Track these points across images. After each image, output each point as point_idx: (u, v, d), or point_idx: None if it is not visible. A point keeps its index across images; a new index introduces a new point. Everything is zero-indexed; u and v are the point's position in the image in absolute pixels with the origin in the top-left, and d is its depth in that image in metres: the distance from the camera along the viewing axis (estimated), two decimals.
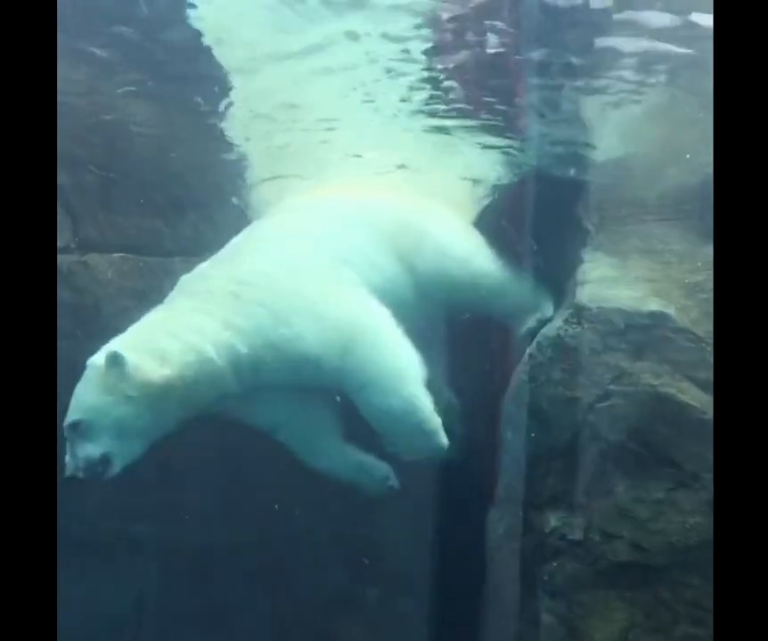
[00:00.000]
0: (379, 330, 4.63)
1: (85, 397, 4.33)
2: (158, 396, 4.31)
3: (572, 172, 5.09)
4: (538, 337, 4.37)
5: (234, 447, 5.11)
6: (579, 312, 4.19)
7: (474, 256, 5.12)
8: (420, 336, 4.90)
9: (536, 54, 4.52)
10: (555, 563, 4.08)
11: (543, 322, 4.67)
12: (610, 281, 4.37)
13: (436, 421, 4.60)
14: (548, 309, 4.90)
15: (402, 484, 5.46)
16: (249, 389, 4.63)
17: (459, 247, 5.13)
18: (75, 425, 4.25)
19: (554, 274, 4.90)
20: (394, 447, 4.71)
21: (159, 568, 5.36)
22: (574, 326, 4.16)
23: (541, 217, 4.95)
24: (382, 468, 4.92)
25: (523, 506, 4.35)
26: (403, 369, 4.58)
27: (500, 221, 5.35)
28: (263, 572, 5.38)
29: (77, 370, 4.94)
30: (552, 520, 4.12)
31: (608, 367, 4.08)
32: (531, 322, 4.90)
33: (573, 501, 4.08)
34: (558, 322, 4.31)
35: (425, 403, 4.57)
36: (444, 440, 4.61)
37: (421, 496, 5.37)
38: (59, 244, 5.05)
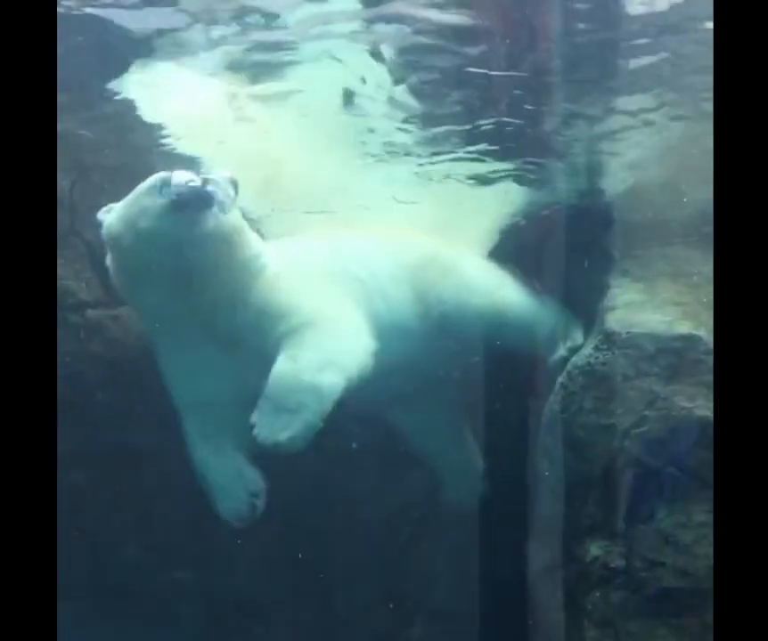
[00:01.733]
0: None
1: None
2: None
3: (593, 199, 5.17)
4: (568, 367, 4.41)
5: (274, 492, 5.26)
6: (609, 339, 4.24)
7: (499, 288, 5.12)
8: (445, 378, 5.04)
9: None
10: (598, 593, 4.08)
11: (575, 350, 4.68)
12: (638, 306, 4.42)
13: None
14: (578, 336, 4.89)
15: (441, 520, 5.61)
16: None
17: (483, 280, 5.14)
18: None
19: (581, 301, 4.93)
20: None
21: (203, 616, 5.48)
22: (604, 352, 4.20)
23: (564, 246, 5.01)
24: (255, 482, 4.76)
25: (563, 536, 4.39)
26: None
27: (522, 252, 5.39)
28: (305, 615, 5.49)
29: (113, 422, 5.17)
30: (593, 549, 4.14)
31: (642, 392, 4.10)
32: (562, 350, 4.89)
33: (613, 529, 4.10)
34: (587, 350, 4.35)
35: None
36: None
37: (460, 532, 5.47)
38: (89, 299, 5.26)
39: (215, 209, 4.25)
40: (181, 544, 5.32)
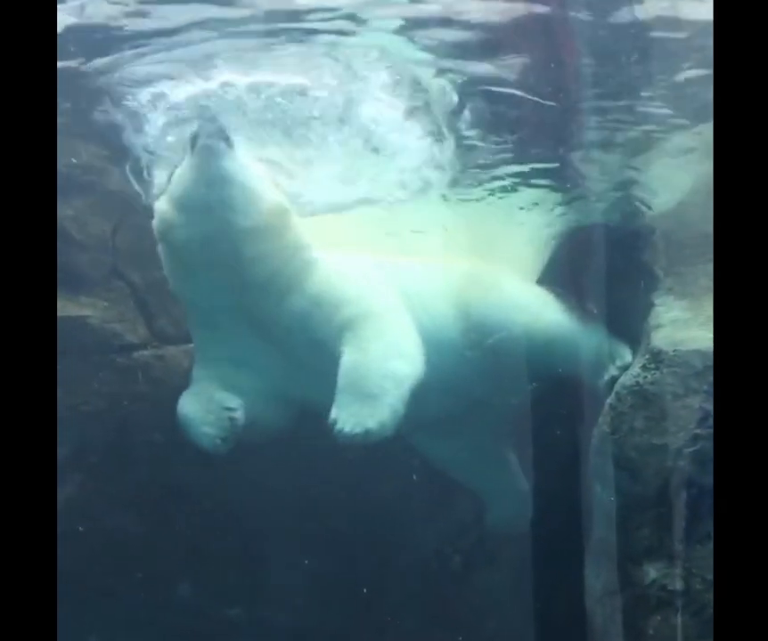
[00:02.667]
0: None
1: None
2: None
3: (633, 217, 5.18)
4: (616, 387, 4.38)
5: (323, 525, 5.33)
6: (656, 357, 4.21)
7: (544, 308, 5.15)
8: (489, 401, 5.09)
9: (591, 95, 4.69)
10: (659, 617, 4.05)
11: (624, 368, 4.69)
12: (684, 323, 4.42)
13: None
14: (626, 355, 4.90)
15: (493, 548, 5.63)
16: None
17: (527, 300, 5.19)
18: None
19: (626, 321, 4.93)
20: None
21: None
22: (652, 372, 4.17)
23: (607, 265, 5.01)
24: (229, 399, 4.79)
25: (619, 559, 4.34)
26: None
27: (565, 272, 5.41)
28: None
29: (162, 462, 5.27)
30: (651, 571, 4.11)
31: (692, 410, 4.08)
32: (612, 370, 4.89)
33: (671, 551, 4.07)
34: (635, 370, 4.32)
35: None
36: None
37: (513, 559, 5.50)
38: (135, 341, 5.39)
39: (237, 153, 4.43)
40: (232, 581, 5.40)
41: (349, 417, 4.35)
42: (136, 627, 5.37)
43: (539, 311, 5.13)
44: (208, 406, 4.67)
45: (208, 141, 4.39)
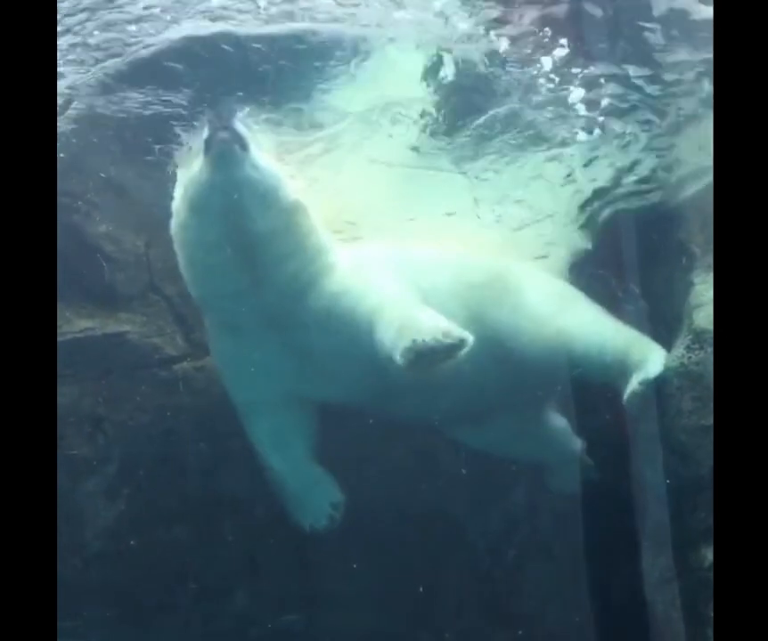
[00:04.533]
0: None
1: None
2: None
3: (665, 196, 5.20)
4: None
5: (375, 529, 5.41)
6: (700, 337, 4.31)
7: (560, 315, 5.07)
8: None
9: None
10: None
11: (649, 384, 4.63)
12: None
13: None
14: (654, 365, 4.75)
15: (550, 539, 5.67)
16: None
17: (544, 306, 5.10)
18: None
19: (666, 303, 4.98)
20: None
21: None
22: (696, 352, 4.27)
23: (641, 253, 5.05)
24: (334, 493, 4.96)
25: (676, 544, 4.46)
26: None
27: (595, 269, 5.43)
28: None
29: (209, 472, 5.42)
30: (710, 554, 4.17)
31: None
32: (635, 385, 4.76)
33: None
34: (679, 350, 4.41)
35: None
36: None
37: (568, 550, 5.54)
38: (174, 353, 5.54)
39: (252, 153, 4.44)
40: (287, 587, 5.50)
41: (404, 337, 4.34)
42: (194, 639, 5.44)
43: (554, 317, 5.06)
44: (313, 492, 4.92)
45: (222, 147, 4.39)
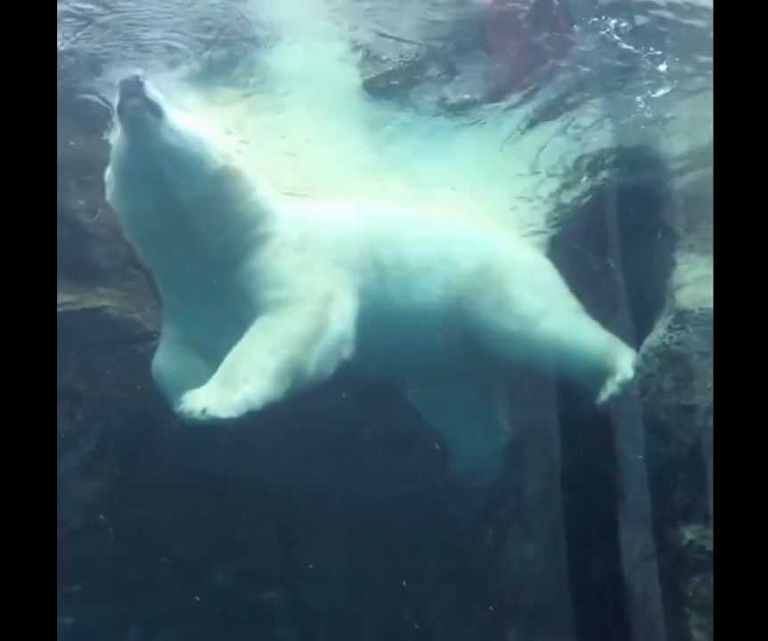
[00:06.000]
0: None
1: None
2: None
3: (647, 174, 5.17)
4: (643, 349, 4.54)
5: (357, 507, 5.49)
6: (681, 317, 4.35)
7: (543, 316, 5.01)
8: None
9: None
10: (698, 578, 4.18)
11: (625, 385, 4.69)
12: (707, 281, 4.44)
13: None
14: (627, 368, 4.76)
15: (529, 519, 5.77)
16: None
17: (528, 303, 5.03)
18: None
19: (648, 281, 5.00)
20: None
21: (296, 635, 5.68)
22: (678, 331, 4.31)
23: (622, 231, 5.07)
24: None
25: (655, 522, 4.51)
26: None
27: (573, 246, 5.42)
28: (400, 626, 5.63)
29: (189, 450, 5.46)
30: (688, 533, 4.24)
31: None
32: (611, 387, 4.79)
33: (706, 512, 4.19)
34: (661, 330, 4.45)
35: None
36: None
37: (549, 528, 5.61)
38: (153, 329, 5.46)
39: (168, 119, 4.33)
40: (267, 566, 5.55)
41: (200, 398, 4.33)
42: (175, 616, 5.51)
43: (536, 318, 5.00)
44: (182, 372, 4.74)
45: (133, 114, 4.29)
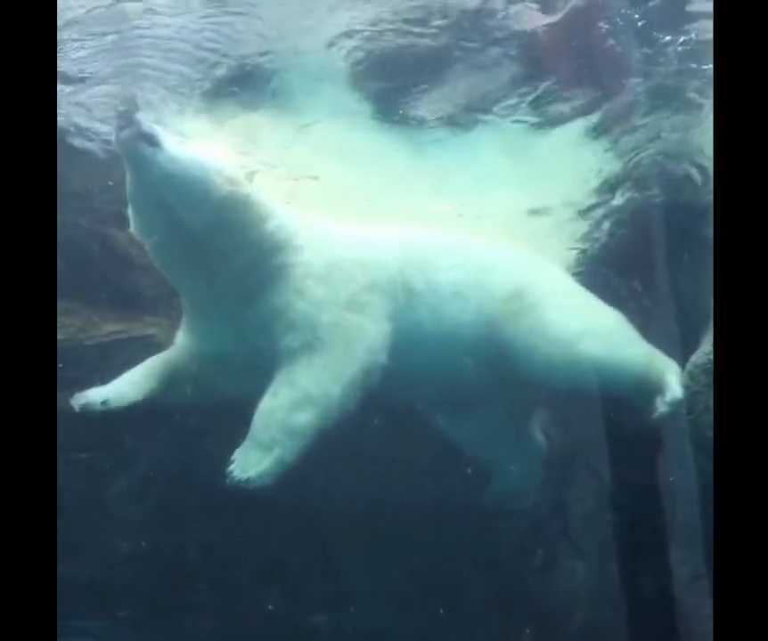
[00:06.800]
0: None
1: None
2: None
3: (694, 190, 5.20)
4: (689, 366, 4.56)
5: (403, 529, 5.52)
6: None
7: (580, 338, 4.95)
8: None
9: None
10: None
11: (675, 405, 4.65)
12: None
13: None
14: (676, 386, 4.71)
15: (579, 539, 5.76)
16: None
17: (564, 327, 4.96)
18: None
19: (693, 301, 5.01)
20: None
21: None
22: None
23: (668, 244, 5.07)
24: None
25: (705, 543, 4.54)
26: None
27: (625, 256, 5.45)
28: None
29: None
30: None
31: None
32: (661, 406, 4.74)
33: None
34: (706, 347, 4.48)
35: None
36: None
37: (598, 548, 5.63)
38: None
39: (166, 148, 4.34)
40: (314, 588, 5.57)
41: (242, 464, 4.50)
42: (222, 638, 5.61)
43: (574, 340, 4.94)
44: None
45: (129, 146, 4.34)
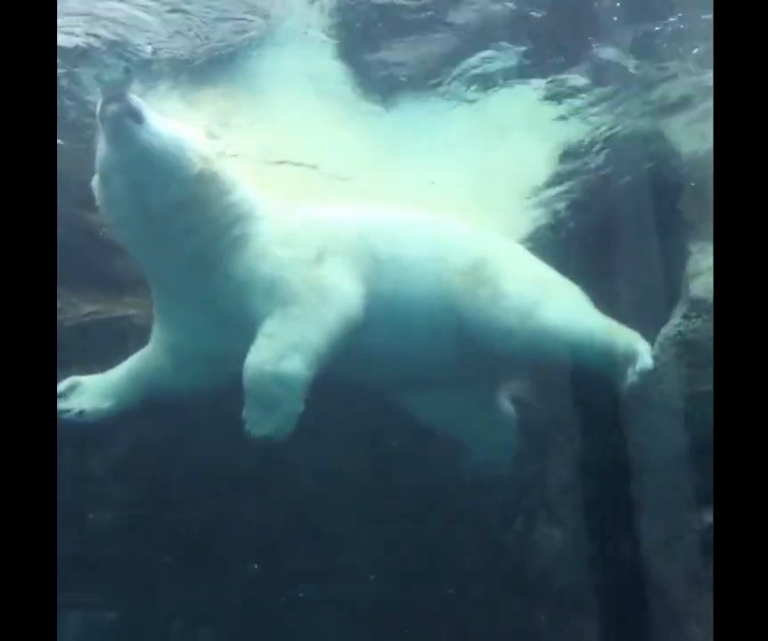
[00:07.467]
0: None
1: None
2: None
3: (666, 163, 5.26)
4: (659, 338, 4.66)
5: (389, 500, 5.58)
6: (697, 305, 4.48)
7: (537, 307, 5.01)
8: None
9: None
10: None
11: (645, 374, 4.69)
12: None
13: None
14: (646, 356, 4.75)
15: (553, 504, 5.92)
16: None
17: (523, 297, 5.04)
18: None
19: (663, 272, 5.09)
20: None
21: (332, 627, 5.83)
22: (693, 320, 4.46)
23: (638, 216, 5.14)
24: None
25: (675, 507, 4.68)
26: None
27: (595, 224, 5.52)
28: (435, 613, 5.77)
29: (223, 448, 5.59)
30: (707, 517, 4.38)
31: None
32: (632, 376, 4.78)
33: None
34: (676, 319, 4.59)
35: None
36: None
37: (574, 515, 5.74)
38: None
39: (148, 124, 4.43)
40: (301, 560, 5.68)
41: (253, 420, 4.60)
42: (217, 608, 5.71)
43: (532, 309, 5.01)
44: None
45: (115, 120, 4.41)
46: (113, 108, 4.40)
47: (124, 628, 5.64)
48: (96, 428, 4.93)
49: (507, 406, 5.64)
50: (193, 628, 5.79)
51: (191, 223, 4.63)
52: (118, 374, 5.02)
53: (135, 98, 4.50)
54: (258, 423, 4.57)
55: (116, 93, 4.48)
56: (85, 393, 4.91)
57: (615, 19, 4.94)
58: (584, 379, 5.23)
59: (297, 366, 4.55)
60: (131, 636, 5.67)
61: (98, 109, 4.48)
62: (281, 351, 4.57)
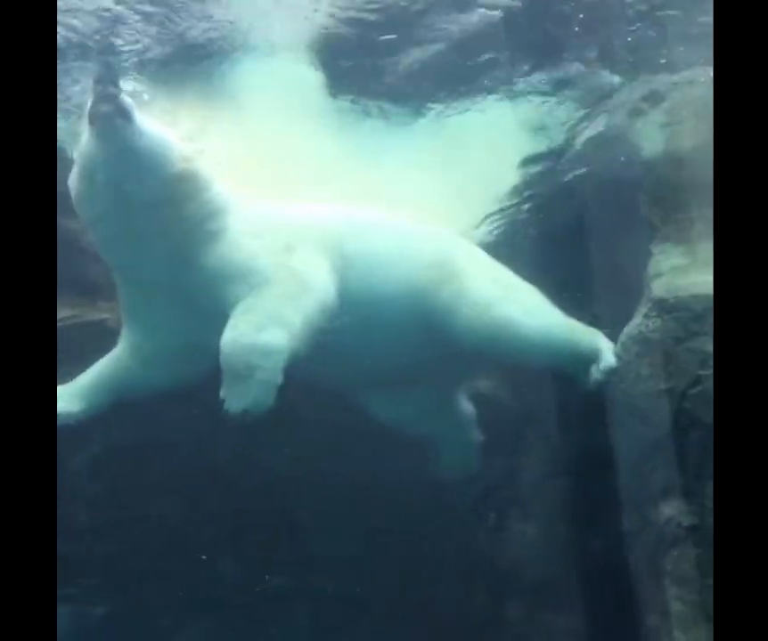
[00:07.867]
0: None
1: None
2: None
3: (628, 164, 5.33)
4: (621, 337, 4.81)
5: (359, 490, 5.67)
6: (658, 305, 4.61)
7: (500, 302, 5.12)
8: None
9: None
10: (676, 552, 4.49)
11: (609, 372, 4.86)
12: (682, 270, 4.76)
13: None
14: (609, 355, 4.92)
15: (525, 500, 6.07)
16: None
17: (485, 292, 5.15)
18: None
19: (625, 273, 5.18)
20: None
21: (306, 618, 5.94)
22: (654, 319, 4.59)
23: (602, 216, 5.28)
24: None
25: (638, 501, 4.82)
26: None
27: (557, 225, 5.64)
28: (406, 607, 5.85)
29: (194, 446, 5.66)
30: (667, 510, 4.55)
31: (694, 353, 4.47)
32: (596, 374, 4.94)
33: (684, 490, 4.48)
34: (638, 319, 4.73)
35: None
36: None
37: (544, 510, 5.90)
38: None
39: (136, 124, 4.51)
40: (277, 553, 5.77)
41: (232, 396, 4.52)
42: (198, 605, 5.80)
43: (494, 304, 5.11)
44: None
45: (105, 120, 4.47)
46: (105, 107, 4.47)
47: (111, 624, 5.74)
48: (70, 431, 4.95)
49: (467, 405, 5.76)
50: (179, 622, 5.86)
51: (168, 218, 4.70)
52: (87, 378, 5.09)
53: (126, 98, 4.57)
54: (236, 397, 4.49)
55: (108, 93, 4.52)
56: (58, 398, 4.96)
57: (576, 29, 5.05)
58: (554, 378, 5.38)
59: (276, 336, 4.55)
60: (119, 632, 5.76)
61: (88, 107, 4.54)
62: (260, 323, 4.58)
